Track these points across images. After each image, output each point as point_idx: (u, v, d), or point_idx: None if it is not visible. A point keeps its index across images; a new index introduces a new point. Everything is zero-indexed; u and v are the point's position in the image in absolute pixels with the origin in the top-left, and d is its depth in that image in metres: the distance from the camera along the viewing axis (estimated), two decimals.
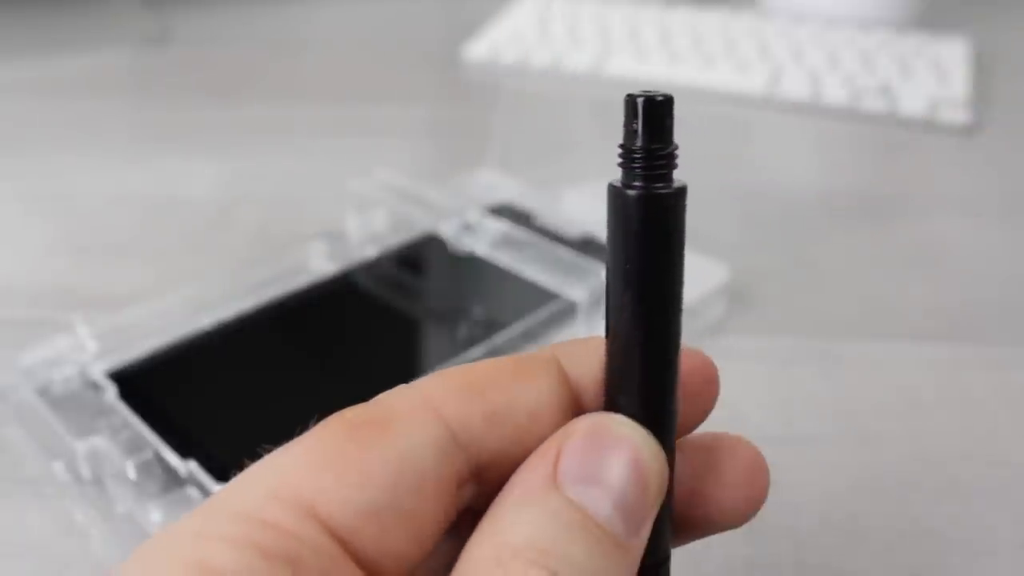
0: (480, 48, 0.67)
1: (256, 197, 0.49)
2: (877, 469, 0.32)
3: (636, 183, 0.17)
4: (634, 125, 0.16)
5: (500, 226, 0.40)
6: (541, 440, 0.17)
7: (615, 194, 0.17)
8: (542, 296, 0.36)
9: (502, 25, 0.70)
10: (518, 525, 0.16)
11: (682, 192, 0.17)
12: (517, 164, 0.52)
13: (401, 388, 0.17)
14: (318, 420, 0.17)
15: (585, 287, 0.36)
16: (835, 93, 0.60)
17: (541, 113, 0.60)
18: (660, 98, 0.16)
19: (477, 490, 0.17)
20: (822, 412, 0.34)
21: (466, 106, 0.61)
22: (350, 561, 0.15)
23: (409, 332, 0.38)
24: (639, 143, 0.16)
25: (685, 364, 0.18)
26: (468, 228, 0.41)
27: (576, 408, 0.18)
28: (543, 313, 0.36)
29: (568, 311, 0.36)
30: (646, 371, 0.17)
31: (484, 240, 0.40)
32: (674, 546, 0.19)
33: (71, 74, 0.66)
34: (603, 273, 0.18)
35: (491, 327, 0.35)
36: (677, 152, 0.17)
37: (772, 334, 0.38)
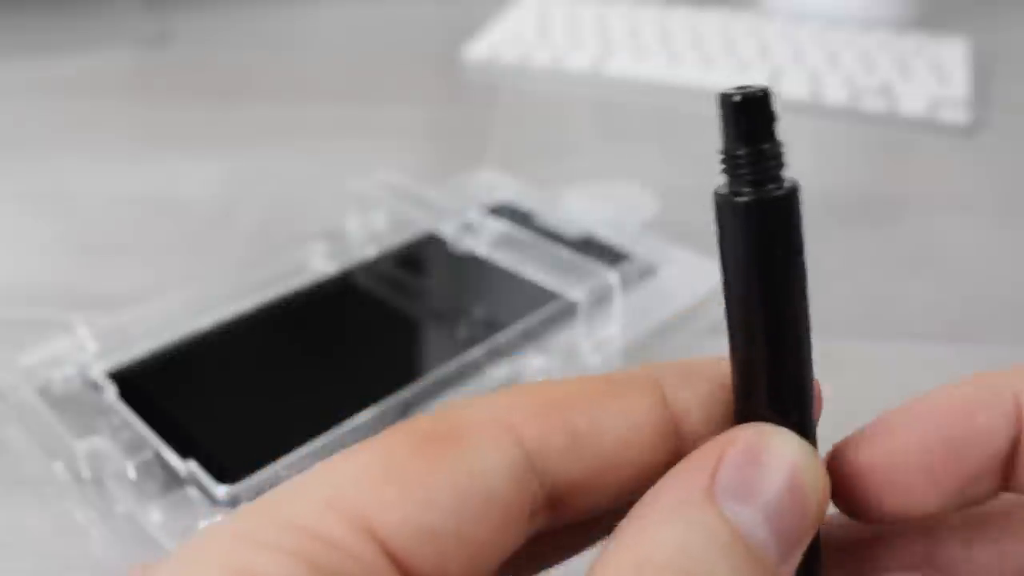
0: (480, 48, 0.67)
1: (256, 197, 0.49)
2: None
3: (746, 189, 0.15)
4: (739, 126, 0.15)
5: (500, 226, 0.40)
6: (630, 469, 0.16)
7: (727, 204, 0.15)
8: (542, 296, 0.36)
9: (502, 25, 0.70)
10: (662, 539, 0.14)
11: (796, 188, 0.15)
12: (517, 164, 0.52)
13: (477, 400, 0.16)
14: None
15: (585, 287, 0.36)
16: (835, 93, 0.60)
17: (541, 113, 0.60)
18: (760, 93, 0.15)
19: (551, 518, 0.16)
20: (822, 412, 0.34)
21: (466, 106, 0.61)
22: None
23: (409, 332, 0.38)
24: (745, 146, 0.15)
25: None
26: (468, 228, 0.41)
27: (674, 436, 0.17)
28: (543, 313, 0.36)
29: (568, 311, 0.36)
30: (796, 386, 0.17)
31: (484, 240, 0.40)
32: None
33: (71, 74, 0.66)
34: (720, 287, 0.16)
35: (491, 327, 0.35)
36: (783, 149, 0.15)
37: None
